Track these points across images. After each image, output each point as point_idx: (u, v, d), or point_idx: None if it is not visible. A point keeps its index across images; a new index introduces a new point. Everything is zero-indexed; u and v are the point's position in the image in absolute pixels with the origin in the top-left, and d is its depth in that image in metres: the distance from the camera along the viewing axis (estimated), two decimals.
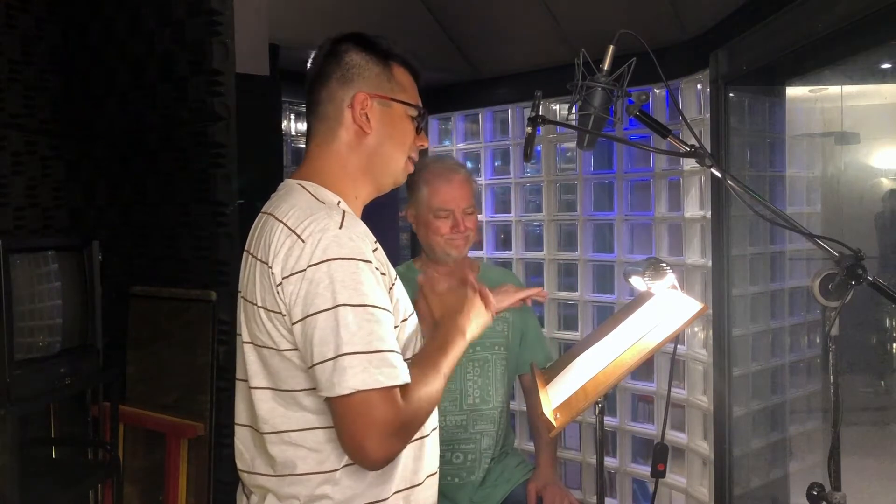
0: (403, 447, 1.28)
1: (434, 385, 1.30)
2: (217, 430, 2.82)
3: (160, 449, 2.92)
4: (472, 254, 2.97)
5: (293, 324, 1.25)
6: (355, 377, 1.19)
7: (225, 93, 2.80)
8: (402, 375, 1.24)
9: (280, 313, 1.26)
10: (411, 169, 1.47)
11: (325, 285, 1.21)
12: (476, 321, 1.45)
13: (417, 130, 1.44)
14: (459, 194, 2.17)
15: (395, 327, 1.32)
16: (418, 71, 1.46)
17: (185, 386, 2.92)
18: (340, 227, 1.25)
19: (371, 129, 1.38)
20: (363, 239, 1.27)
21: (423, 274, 1.83)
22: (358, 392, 1.19)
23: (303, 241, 1.24)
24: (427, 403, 1.29)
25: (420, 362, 1.33)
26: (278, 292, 1.25)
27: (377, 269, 1.27)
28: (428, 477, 1.41)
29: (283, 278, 1.25)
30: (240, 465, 1.41)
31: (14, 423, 2.37)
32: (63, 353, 2.64)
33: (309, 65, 1.44)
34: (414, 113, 1.43)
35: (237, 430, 1.40)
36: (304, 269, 1.23)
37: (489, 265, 2.44)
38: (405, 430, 1.24)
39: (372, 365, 1.20)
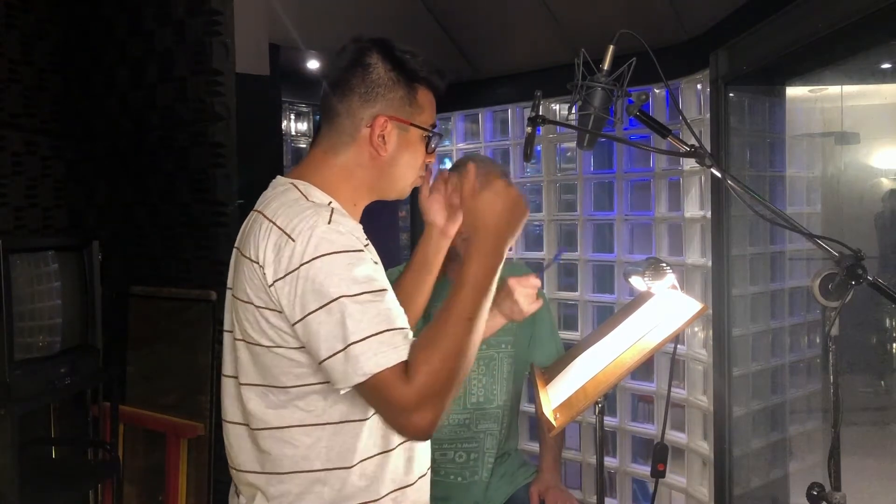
0: (444, 409, 1.21)
1: (454, 338, 1.23)
2: (217, 430, 2.83)
3: (160, 449, 2.92)
4: None
5: (294, 323, 1.24)
6: (368, 361, 1.19)
7: (225, 93, 2.81)
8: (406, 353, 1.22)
9: (275, 310, 1.26)
10: (419, 183, 1.47)
11: (321, 280, 1.21)
12: (507, 226, 1.32)
13: (428, 149, 1.44)
14: None
15: None
16: (442, 91, 1.44)
17: (185, 386, 2.92)
18: (329, 223, 1.24)
19: (386, 151, 1.38)
20: (352, 233, 1.26)
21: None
22: (374, 375, 1.19)
23: (293, 239, 1.24)
24: (449, 359, 1.21)
25: (438, 316, 1.27)
26: (272, 292, 1.25)
27: (369, 256, 1.27)
28: (419, 478, 1.41)
29: (278, 279, 1.24)
30: (229, 462, 1.40)
31: (14, 423, 2.37)
32: (63, 353, 2.64)
33: (330, 66, 1.42)
34: (429, 134, 1.42)
35: (226, 427, 1.39)
36: (298, 268, 1.22)
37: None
38: (434, 395, 1.19)
39: (384, 345, 1.20)
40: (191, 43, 2.88)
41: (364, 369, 1.19)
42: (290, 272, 1.23)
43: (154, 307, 3.08)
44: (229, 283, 1.39)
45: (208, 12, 2.80)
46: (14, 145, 3.07)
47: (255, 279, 1.28)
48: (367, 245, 1.32)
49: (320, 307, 1.21)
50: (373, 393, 1.21)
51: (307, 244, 1.23)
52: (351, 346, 1.19)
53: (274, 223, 1.28)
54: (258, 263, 1.27)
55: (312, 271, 1.22)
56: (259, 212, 1.34)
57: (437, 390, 1.20)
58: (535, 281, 1.87)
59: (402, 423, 1.21)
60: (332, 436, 1.29)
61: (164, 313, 3.04)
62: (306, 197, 1.32)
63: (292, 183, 1.37)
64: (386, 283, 1.27)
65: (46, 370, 2.56)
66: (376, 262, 1.31)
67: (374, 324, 1.20)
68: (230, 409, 1.38)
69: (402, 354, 1.21)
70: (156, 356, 3.05)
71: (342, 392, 1.24)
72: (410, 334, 1.25)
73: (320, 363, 1.23)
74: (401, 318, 1.24)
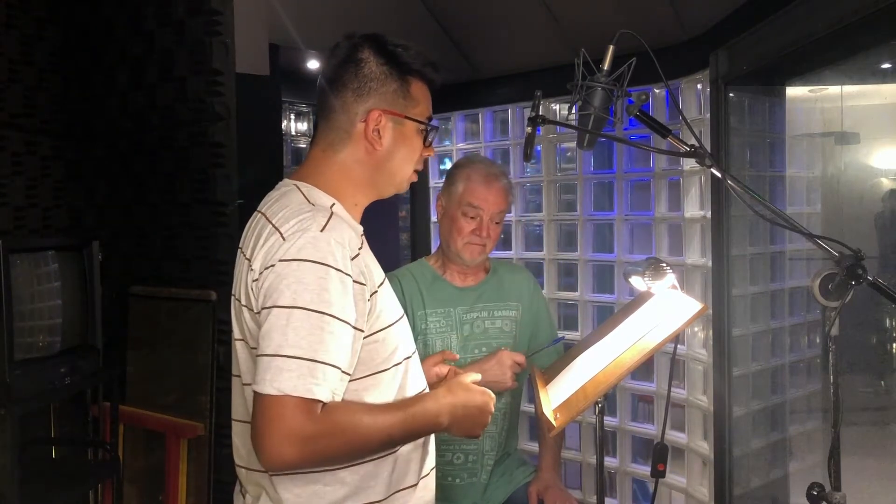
0: (305, 463, 1.23)
1: (376, 431, 1.25)
2: (217, 430, 2.83)
3: (160, 449, 2.92)
4: None
5: (257, 314, 1.25)
6: (289, 381, 1.17)
7: (225, 93, 2.81)
8: (332, 394, 1.21)
9: (255, 311, 1.27)
10: (416, 179, 1.47)
11: (289, 283, 1.21)
12: (464, 420, 1.39)
13: (425, 143, 1.43)
14: (494, 199, 2.16)
15: (376, 333, 1.31)
16: (437, 83, 1.44)
17: (185, 386, 2.93)
18: (322, 230, 1.24)
19: (381, 146, 1.38)
20: (342, 245, 1.25)
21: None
22: (285, 395, 1.16)
23: (283, 239, 1.24)
24: (350, 438, 1.23)
25: (385, 406, 1.31)
26: (252, 287, 1.26)
27: (349, 276, 1.24)
28: (423, 478, 1.41)
29: (259, 275, 1.25)
30: (237, 460, 1.41)
31: (14, 423, 2.37)
32: (63, 353, 2.64)
33: (324, 64, 1.42)
34: (425, 127, 1.42)
35: (234, 425, 1.40)
36: (275, 265, 1.23)
37: (501, 262, 2.42)
38: (313, 448, 1.19)
39: (309, 373, 1.18)
40: (191, 43, 2.88)
41: (280, 385, 1.16)
42: (267, 267, 1.24)
43: (154, 307, 3.08)
44: (233, 283, 1.40)
45: (208, 12, 2.80)
46: (14, 145, 3.07)
47: (247, 277, 1.29)
48: (359, 253, 1.30)
49: (275, 305, 1.20)
50: (271, 409, 1.17)
51: (292, 245, 1.23)
52: (281, 358, 1.18)
53: (271, 223, 1.29)
54: (249, 261, 1.29)
55: (286, 270, 1.21)
56: (262, 213, 1.35)
57: (321, 448, 1.20)
58: (522, 360, 2.10)
59: (276, 447, 1.16)
60: None
61: (164, 313, 3.04)
62: (308, 199, 1.33)
63: (295, 184, 1.37)
64: (349, 313, 1.24)
65: (46, 370, 2.56)
66: (362, 283, 1.28)
67: (314, 348, 1.18)
68: (237, 407, 1.39)
69: (321, 393, 1.18)
70: (156, 356, 3.05)
71: (252, 391, 1.22)
72: (340, 377, 1.22)
73: (256, 356, 1.22)
74: (342, 356, 1.22)
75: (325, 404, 1.20)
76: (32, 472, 2.66)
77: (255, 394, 1.19)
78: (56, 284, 2.65)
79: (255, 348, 1.27)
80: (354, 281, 1.26)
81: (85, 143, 3.30)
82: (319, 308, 1.20)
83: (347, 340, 1.24)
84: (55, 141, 3.23)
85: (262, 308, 1.23)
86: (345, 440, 1.23)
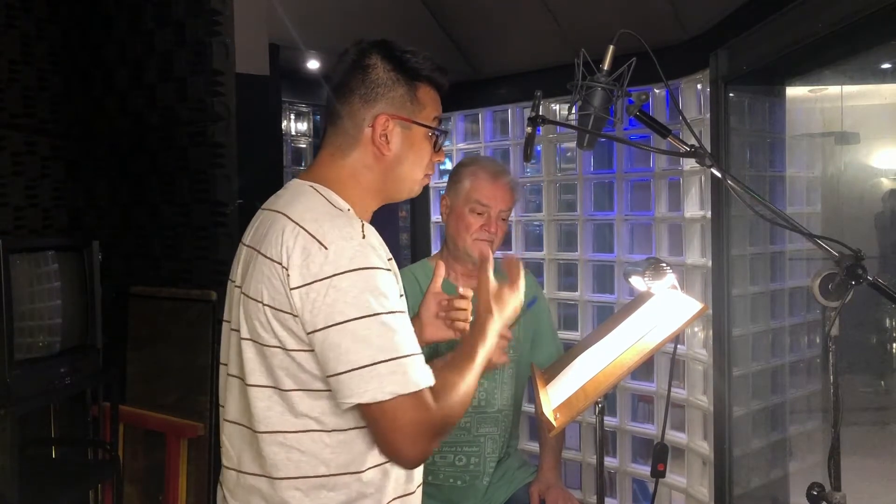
0: (437, 445, 1.31)
1: (468, 383, 1.33)
2: (217, 431, 2.82)
3: (160, 449, 2.92)
4: None
5: (313, 331, 1.23)
6: (398, 382, 1.20)
7: (225, 93, 2.81)
8: (430, 378, 1.26)
9: (290, 313, 1.25)
10: (427, 182, 1.47)
11: (356, 294, 1.21)
12: (503, 314, 1.47)
13: (435, 147, 1.43)
14: (501, 196, 2.17)
15: None
16: (445, 88, 1.45)
17: (185, 386, 2.93)
18: (364, 237, 1.25)
19: (389, 150, 1.38)
20: (383, 249, 1.29)
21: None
22: (397, 396, 1.20)
23: (325, 247, 1.23)
24: (460, 404, 1.31)
25: (456, 360, 1.37)
26: (293, 295, 1.24)
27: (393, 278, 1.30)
28: (418, 487, 1.42)
29: (305, 284, 1.23)
30: (225, 461, 1.39)
31: (14, 423, 2.37)
32: (63, 353, 2.64)
33: (331, 70, 1.42)
34: (433, 132, 1.42)
35: (225, 426, 1.38)
36: (331, 277, 1.22)
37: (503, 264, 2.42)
38: (439, 430, 1.26)
39: (408, 368, 1.22)
40: (191, 43, 2.88)
41: (393, 388, 1.20)
42: (320, 279, 1.22)
43: (154, 307, 3.08)
44: (236, 279, 1.37)
45: (208, 12, 2.80)
46: (14, 145, 3.07)
47: (275, 280, 1.26)
48: (391, 256, 1.33)
49: (350, 319, 1.21)
50: (389, 412, 1.21)
51: (342, 255, 1.22)
52: (381, 364, 1.20)
53: (302, 227, 1.26)
54: (281, 265, 1.25)
55: (346, 283, 1.22)
56: (279, 212, 1.32)
57: (447, 426, 1.29)
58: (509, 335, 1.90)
59: (414, 447, 1.23)
60: (340, 443, 1.29)
61: (164, 313, 3.04)
62: (330, 202, 1.32)
63: (312, 186, 1.36)
64: (403, 307, 1.29)
65: (46, 370, 2.56)
66: (397, 283, 1.32)
67: (401, 346, 1.23)
68: (233, 409, 1.36)
69: (426, 381, 1.24)
70: (156, 356, 3.05)
71: (345, 407, 1.25)
72: (423, 360, 1.27)
73: (336, 374, 1.22)
74: (416, 342, 1.27)
75: (431, 388, 1.25)
76: (32, 472, 2.66)
77: (367, 405, 1.22)
78: (56, 284, 2.65)
79: (272, 346, 1.27)
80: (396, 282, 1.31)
81: (85, 143, 3.30)
82: (390, 308, 1.24)
83: (411, 328, 1.29)
84: (55, 141, 3.23)
85: (334, 324, 1.22)
86: (459, 407, 1.31)
